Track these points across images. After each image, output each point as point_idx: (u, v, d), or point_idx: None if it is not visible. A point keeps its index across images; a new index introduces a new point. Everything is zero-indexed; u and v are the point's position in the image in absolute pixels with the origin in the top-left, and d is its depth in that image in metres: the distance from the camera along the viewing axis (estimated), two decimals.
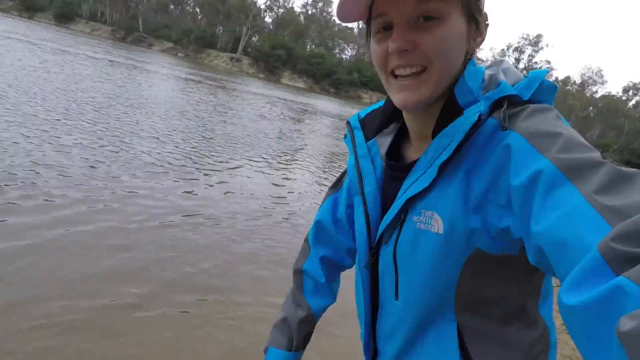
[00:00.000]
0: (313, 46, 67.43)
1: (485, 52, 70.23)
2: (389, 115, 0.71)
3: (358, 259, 0.70)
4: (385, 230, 0.63)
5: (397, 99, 0.57)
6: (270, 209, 4.73)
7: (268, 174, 6.29)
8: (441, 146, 0.54)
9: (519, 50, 66.47)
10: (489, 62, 0.60)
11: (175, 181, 4.77)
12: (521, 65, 64.39)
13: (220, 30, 61.88)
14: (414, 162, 0.61)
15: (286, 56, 51.76)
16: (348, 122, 0.75)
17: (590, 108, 72.73)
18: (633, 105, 72.61)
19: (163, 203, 4.04)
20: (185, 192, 4.54)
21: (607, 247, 0.29)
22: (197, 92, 15.04)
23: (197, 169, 5.51)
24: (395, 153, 0.69)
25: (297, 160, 8.00)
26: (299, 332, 0.84)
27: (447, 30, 0.52)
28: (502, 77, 0.55)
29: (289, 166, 7.29)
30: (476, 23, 0.56)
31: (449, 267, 0.56)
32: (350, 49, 75.01)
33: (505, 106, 0.51)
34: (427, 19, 0.52)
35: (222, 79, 26.53)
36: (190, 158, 5.92)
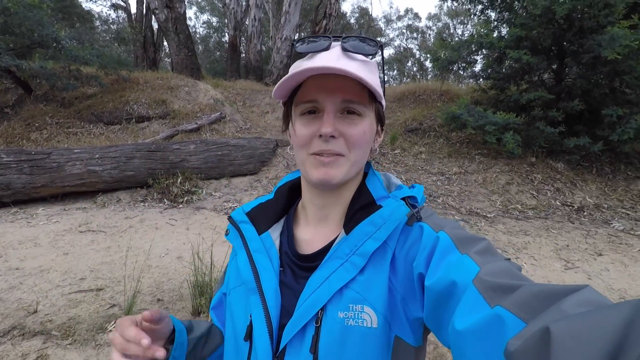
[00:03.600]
0: None
1: None
2: (282, 207, 0.71)
3: None
4: (297, 332, 0.55)
5: (318, 174, 0.59)
6: None
7: None
8: (365, 234, 0.57)
9: None
10: None
11: None
12: None
13: None
14: (320, 252, 0.62)
15: None
16: (230, 217, 0.71)
17: None
18: None
19: None
20: None
21: (478, 280, 0.43)
22: None
23: None
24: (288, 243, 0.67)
25: None
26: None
27: (366, 125, 0.60)
28: (395, 181, 0.68)
29: None
30: (381, 126, 0.65)
31: None
32: None
33: (411, 204, 0.60)
34: (350, 112, 0.59)
35: None
36: None
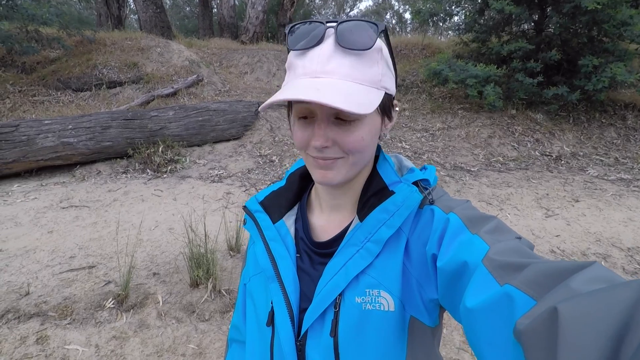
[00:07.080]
0: None
1: None
2: (295, 194, 0.70)
3: (277, 352, 0.61)
4: (317, 317, 0.57)
5: (317, 175, 0.58)
6: None
7: None
8: (379, 221, 0.57)
9: None
10: None
11: None
12: None
13: None
14: (335, 238, 0.62)
15: None
16: (245, 207, 0.71)
17: None
18: None
19: None
20: None
21: (487, 260, 0.44)
22: None
23: None
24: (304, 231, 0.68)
25: None
26: None
27: (364, 129, 0.55)
28: (407, 164, 0.66)
29: None
30: (389, 117, 0.61)
31: (399, 345, 0.55)
32: None
33: (423, 186, 0.60)
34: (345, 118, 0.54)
35: None
36: None
